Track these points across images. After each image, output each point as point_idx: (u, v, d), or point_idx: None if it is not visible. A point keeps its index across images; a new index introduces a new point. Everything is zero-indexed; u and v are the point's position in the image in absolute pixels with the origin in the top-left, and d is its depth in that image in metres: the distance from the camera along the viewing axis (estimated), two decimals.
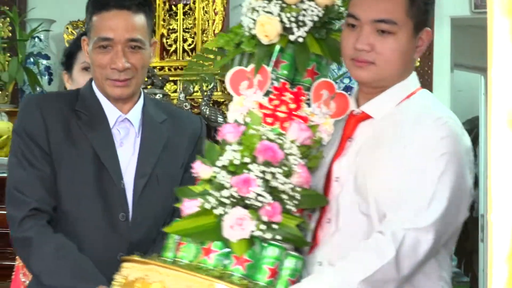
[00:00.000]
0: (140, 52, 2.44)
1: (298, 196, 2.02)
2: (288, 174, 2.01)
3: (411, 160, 1.99)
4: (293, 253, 2.04)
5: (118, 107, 2.50)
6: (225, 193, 1.98)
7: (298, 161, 2.04)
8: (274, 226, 1.98)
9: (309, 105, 2.18)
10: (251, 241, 1.99)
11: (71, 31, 5.32)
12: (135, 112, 2.51)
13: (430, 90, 4.64)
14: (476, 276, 6.89)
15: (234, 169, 1.99)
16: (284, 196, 1.99)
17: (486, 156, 6.17)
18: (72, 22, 5.37)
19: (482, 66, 6.09)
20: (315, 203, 2.09)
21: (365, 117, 2.14)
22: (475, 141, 6.97)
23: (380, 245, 1.93)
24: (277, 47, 2.18)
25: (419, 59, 4.69)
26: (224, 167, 2.02)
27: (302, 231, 2.08)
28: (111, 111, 2.50)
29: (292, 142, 2.07)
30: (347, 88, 4.32)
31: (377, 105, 2.12)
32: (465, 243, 7.23)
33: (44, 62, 5.37)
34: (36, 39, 5.41)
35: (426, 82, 4.56)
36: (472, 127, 7.23)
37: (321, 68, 2.24)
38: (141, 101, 2.54)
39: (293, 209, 2.01)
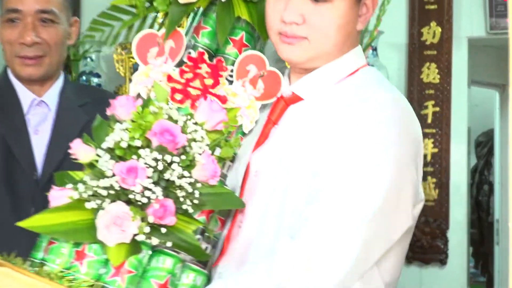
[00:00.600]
0: (54, 26, 1.96)
1: (197, 194, 1.38)
2: (189, 165, 1.38)
3: (343, 154, 1.37)
4: (193, 265, 1.40)
5: (33, 90, 2.00)
6: (104, 182, 1.34)
7: (204, 149, 1.41)
8: (163, 230, 1.34)
9: (232, 82, 1.55)
10: (136, 247, 1.35)
11: (120, 52, 5.38)
12: (52, 95, 2.01)
13: (449, 104, 4.18)
14: (492, 276, 6.80)
15: (122, 154, 1.37)
16: (181, 193, 1.36)
17: (501, 165, 6.13)
18: (121, 44, 5.43)
19: (497, 83, 6.00)
20: (224, 204, 1.44)
21: (296, 99, 1.52)
22: (490, 151, 6.94)
23: (274, 266, 1.32)
24: (200, 9, 1.58)
25: (438, 76, 4.67)
26: (110, 150, 1.39)
27: (208, 240, 1.46)
28: (25, 95, 1.99)
29: (200, 125, 1.43)
30: None
31: (309, 84, 1.51)
32: (481, 246, 7.17)
33: (95, 80, 5.38)
34: (88, 59, 5.43)
35: (445, 97, 4.35)
36: (488, 139, 7.04)
37: (253, 40, 1.60)
38: (59, 83, 2.03)
39: (190, 209, 1.37)
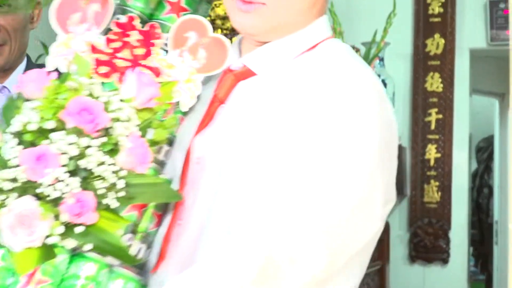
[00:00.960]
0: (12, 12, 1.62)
1: (122, 184, 1.02)
2: (112, 150, 1.03)
3: (308, 143, 1.02)
4: (123, 271, 1.05)
5: None
6: (6, 173, 0.99)
7: (131, 130, 1.06)
8: (78, 229, 0.99)
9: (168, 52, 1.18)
10: (48, 251, 1.00)
11: None
12: (14, 80, 1.70)
13: (451, 112, 4.13)
14: (491, 275, 6.34)
15: (33, 138, 1.02)
16: (101, 184, 1.01)
17: (500, 169, 6.10)
18: None
19: (497, 91, 5.96)
20: (157, 196, 1.08)
21: (247, 74, 1.15)
22: (490, 156, 6.91)
23: (222, 266, 0.98)
24: None
25: (442, 85, 4.66)
26: (19, 135, 1.04)
27: (142, 240, 1.10)
28: None
29: (126, 101, 1.07)
30: None
31: (265, 56, 1.15)
32: (481, 246, 7.12)
33: None
34: None
35: (448, 105, 4.10)
36: (488, 144, 6.91)
37: (194, 2, 1.23)
38: (21, 68, 1.74)
39: (114, 204, 1.01)
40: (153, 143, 1.09)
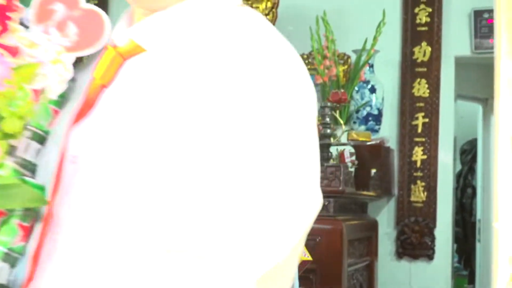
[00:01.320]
0: None
1: None
2: None
3: (195, 133, 0.79)
4: None
5: None
6: None
7: None
8: None
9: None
10: None
11: None
12: None
13: (437, 116, 4.12)
14: (473, 270, 6.32)
15: None
16: None
17: (483, 171, 6.12)
18: None
19: (481, 97, 5.98)
20: (12, 201, 0.81)
21: (135, 50, 0.88)
22: (473, 158, 6.94)
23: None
24: None
25: (428, 90, 4.69)
26: None
27: (4, 258, 0.84)
28: None
29: None
30: (368, 116, 4.04)
31: (155, 28, 0.88)
32: (465, 243, 7.14)
33: None
34: None
35: (434, 109, 4.11)
36: (472, 146, 6.94)
37: None
38: None
39: None
40: (4, 135, 0.83)
